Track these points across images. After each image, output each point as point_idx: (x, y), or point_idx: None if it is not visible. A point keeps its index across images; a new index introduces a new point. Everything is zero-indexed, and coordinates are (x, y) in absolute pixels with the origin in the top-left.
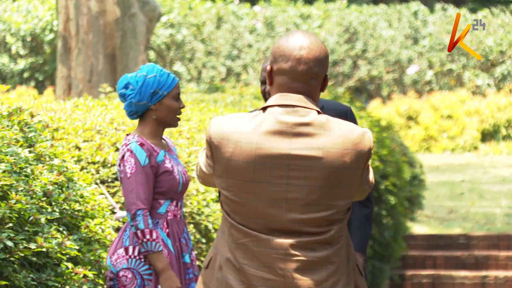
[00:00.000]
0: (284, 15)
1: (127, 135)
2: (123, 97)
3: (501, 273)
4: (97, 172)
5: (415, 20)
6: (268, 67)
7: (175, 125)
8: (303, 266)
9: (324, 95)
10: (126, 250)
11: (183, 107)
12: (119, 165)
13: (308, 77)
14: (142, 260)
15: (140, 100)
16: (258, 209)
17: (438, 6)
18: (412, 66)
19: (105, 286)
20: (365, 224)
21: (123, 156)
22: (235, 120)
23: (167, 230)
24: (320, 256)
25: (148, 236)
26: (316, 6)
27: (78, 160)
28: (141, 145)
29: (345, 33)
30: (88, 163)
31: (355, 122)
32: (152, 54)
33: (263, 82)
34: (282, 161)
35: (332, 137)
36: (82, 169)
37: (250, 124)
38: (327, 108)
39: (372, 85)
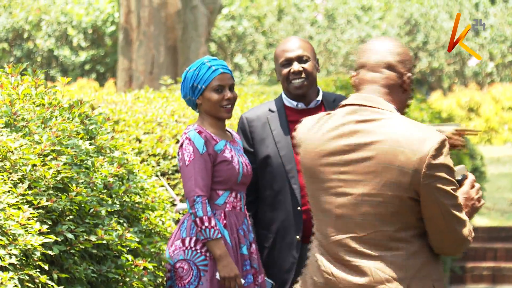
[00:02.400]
0: (345, 7)
1: (188, 126)
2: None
3: None
4: (158, 164)
5: (476, 11)
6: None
7: (225, 117)
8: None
9: None
10: (183, 241)
11: (229, 97)
12: (178, 153)
13: (380, 67)
14: (199, 251)
15: (185, 95)
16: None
17: None
18: (473, 58)
19: (164, 278)
20: None
21: (181, 144)
22: (307, 121)
23: (225, 221)
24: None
25: (206, 223)
26: None
27: (139, 152)
28: (199, 132)
29: (406, 25)
30: (149, 155)
31: None
32: (213, 46)
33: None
34: (338, 157)
35: (386, 137)
36: (142, 161)
37: (317, 124)
38: (338, 102)
39: (433, 77)
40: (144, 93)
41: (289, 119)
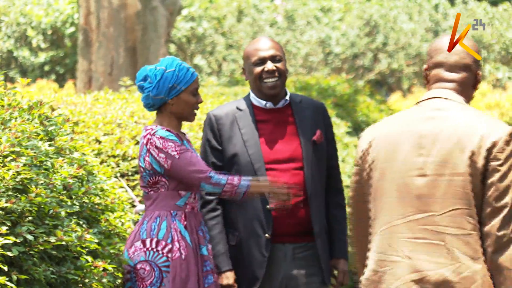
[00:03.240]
0: (305, 8)
1: (145, 126)
2: (141, 89)
3: None
4: (117, 165)
5: (435, 13)
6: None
7: (192, 120)
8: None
9: (345, 88)
10: (144, 242)
11: (201, 102)
12: (158, 156)
13: (458, 68)
14: (160, 252)
15: (157, 94)
16: None
17: None
18: None
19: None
20: (345, 227)
21: (156, 146)
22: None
23: (185, 223)
24: None
25: (235, 179)
26: (337, 0)
27: (98, 154)
28: (168, 131)
29: (366, 26)
30: (108, 156)
31: (329, 118)
32: (172, 47)
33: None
34: (419, 140)
35: (462, 122)
36: (102, 162)
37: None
38: (305, 103)
39: (393, 78)
40: (104, 95)
41: (257, 118)
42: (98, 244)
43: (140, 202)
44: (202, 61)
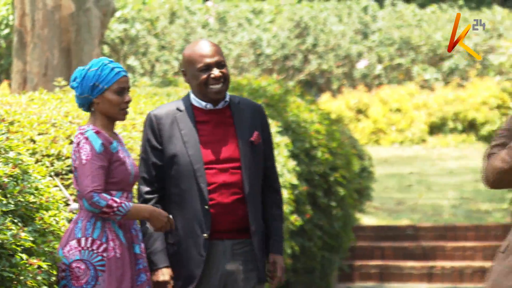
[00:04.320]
0: (236, 10)
1: (80, 127)
2: (73, 89)
3: (447, 264)
4: (52, 164)
5: (364, 15)
6: None
7: (121, 119)
8: None
9: (276, 89)
10: (79, 241)
11: (128, 101)
12: (74, 152)
13: None
14: (95, 251)
15: (81, 93)
16: None
17: (387, 1)
18: (361, 60)
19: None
20: (282, 225)
21: (78, 143)
22: None
23: (119, 222)
24: None
25: (115, 205)
26: (267, 2)
27: (33, 153)
28: (97, 132)
29: (296, 28)
30: (43, 155)
31: (266, 119)
32: (106, 49)
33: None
34: None
35: None
36: (37, 161)
37: None
38: (243, 104)
39: (322, 79)
40: (39, 95)
41: (197, 119)
42: (33, 242)
43: (75, 200)
44: (135, 62)
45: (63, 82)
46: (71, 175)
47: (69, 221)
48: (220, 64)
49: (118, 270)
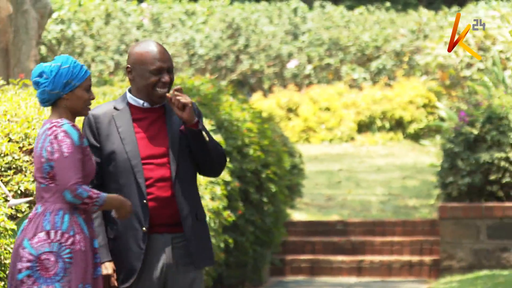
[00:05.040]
0: (170, 12)
1: (46, 120)
2: (36, 85)
3: (376, 258)
4: None
5: (294, 16)
6: None
7: (86, 114)
8: None
9: (209, 88)
10: (48, 234)
11: (93, 98)
12: (50, 145)
13: None
14: (63, 244)
15: (53, 89)
16: None
17: (316, 3)
18: (292, 60)
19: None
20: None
21: (56, 136)
22: None
23: (83, 216)
24: None
25: (94, 196)
26: (200, 3)
27: None
28: (73, 126)
29: (228, 29)
30: None
31: (199, 111)
32: (43, 49)
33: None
34: None
35: None
36: None
37: None
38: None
39: (254, 79)
40: None
41: (134, 117)
42: None
43: (13, 196)
44: None
45: (1, 82)
46: (9, 172)
47: (9, 216)
48: (170, 70)
49: (83, 263)
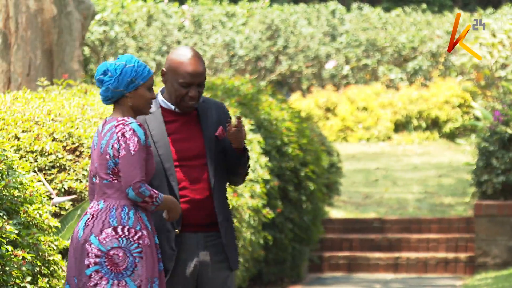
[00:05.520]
0: (211, 14)
1: (111, 118)
2: (100, 82)
3: (412, 255)
4: (35, 160)
5: (332, 18)
6: None
7: (147, 113)
8: None
9: (249, 88)
10: (115, 229)
11: (154, 97)
12: (118, 142)
13: None
14: (131, 239)
15: (117, 87)
16: None
17: (354, 5)
18: (330, 61)
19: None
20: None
21: (124, 134)
22: None
23: (145, 212)
24: None
25: (155, 195)
26: (240, 5)
27: (18, 149)
28: (140, 125)
29: (268, 30)
30: (27, 152)
31: (230, 115)
32: (86, 50)
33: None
34: None
35: None
36: (21, 157)
37: None
38: (207, 103)
39: (293, 79)
40: (22, 94)
41: (166, 120)
42: (18, 234)
43: (57, 195)
44: None
45: (46, 82)
46: (54, 170)
47: (53, 214)
48: (201, 84)
49: (150, 257)
